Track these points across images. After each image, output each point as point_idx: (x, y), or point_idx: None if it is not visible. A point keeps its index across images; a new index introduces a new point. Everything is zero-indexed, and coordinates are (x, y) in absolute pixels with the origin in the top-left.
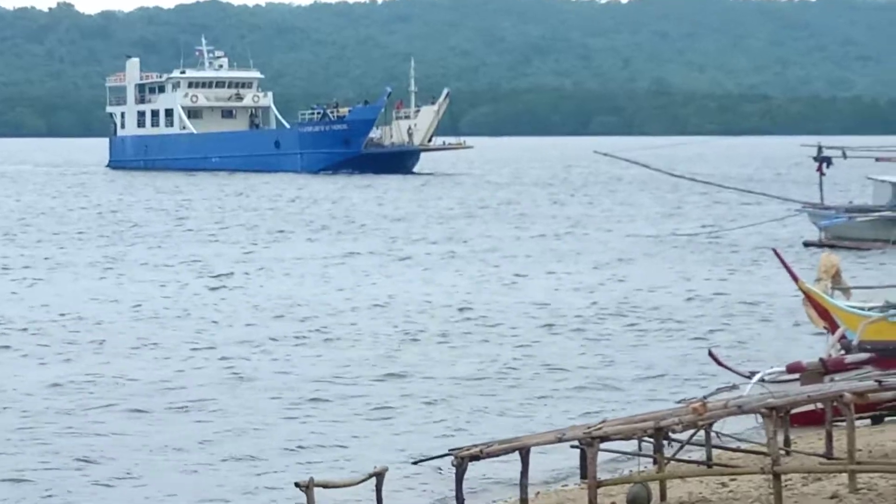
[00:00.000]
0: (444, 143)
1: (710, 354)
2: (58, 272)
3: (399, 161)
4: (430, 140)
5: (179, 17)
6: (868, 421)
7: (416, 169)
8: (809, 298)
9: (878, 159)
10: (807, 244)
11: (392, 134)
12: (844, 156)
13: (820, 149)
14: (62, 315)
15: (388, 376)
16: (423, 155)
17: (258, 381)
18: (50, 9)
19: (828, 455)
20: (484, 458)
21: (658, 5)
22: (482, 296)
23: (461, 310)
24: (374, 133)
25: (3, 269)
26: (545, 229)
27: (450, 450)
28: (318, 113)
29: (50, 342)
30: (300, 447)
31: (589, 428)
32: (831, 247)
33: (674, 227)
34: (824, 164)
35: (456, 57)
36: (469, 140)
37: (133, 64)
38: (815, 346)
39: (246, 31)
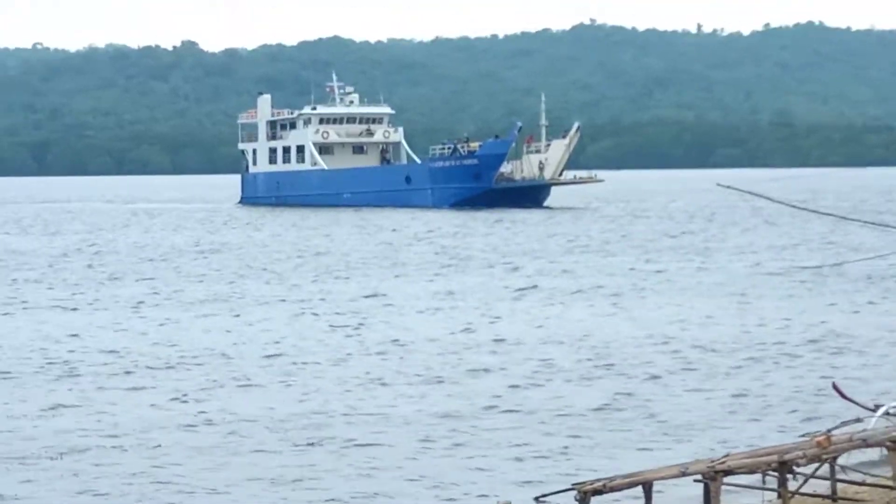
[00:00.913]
0: (575, 176)
1: (835, 387)
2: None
3: (530, 195)
4: (560, 174)
5: (302, 53)
6: None
7: (547, 203)
8: None
9: None
10: None
11: (523, 168)
12: None
13: None
14: (237, 344)
15: (511, 409)
16: (553, 189)
17: (392, 416)
18: (174, 47)
19: None
20: (607, 492)
21: (779, 36)
22: (603, 329)
23: (583, 342)
24: (505, 167)
25: (176, 301)
26: (673, 261)
27: (573, 484)
28: (449, 148)
29: (196, 378)
30: (425, 480)
31: (713, 462)
32: None
33: (797, 259)
34: None
35: (577, 91)
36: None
37: (265, 100)
38: None
39: (368, 67)
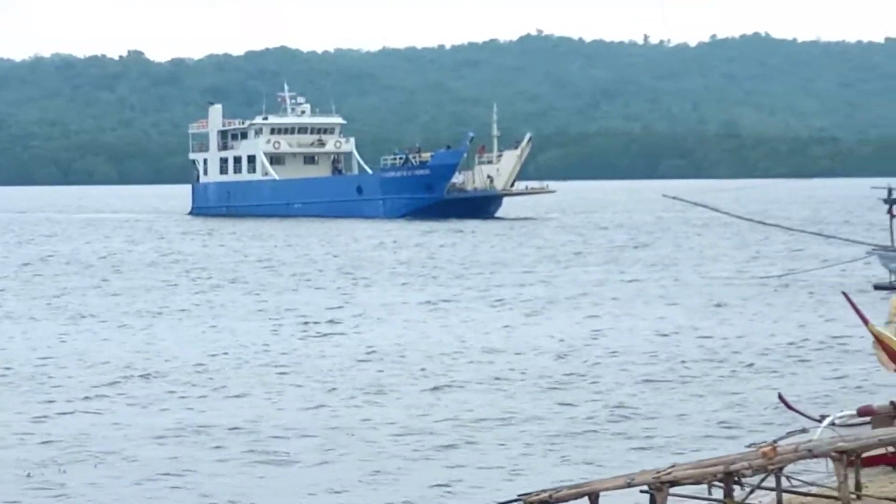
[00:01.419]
0: (526, 187)
1: (780, 398)
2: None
3: (482, 206)
4: (512, 185)
5: (249, 63)
6: None
7: (498, 214)
8: (880, 341)
9: None
10: (877, 287)
11: (474, 179)
12: None
13: (890, 191)
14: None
15: (461, 421)
16: (505, 200)
17: (342, 428)
18: (121, 56)
19: None
20: (553, 502)
21: (726, 48)
22: (554, 340)
23: (537, 355)
24: (457, 178)
25: (124, 313)
26: (625, 273)
27: (519, 495)
28: (401, 158)
29: (171, 388)
30: (372, 490)
31: (658, 472)
32: None
33: (743, 271)
34: (895, 207)
35: (525, 101)
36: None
37: (216, 110)
38: (886, 390)
39: (315, 77)
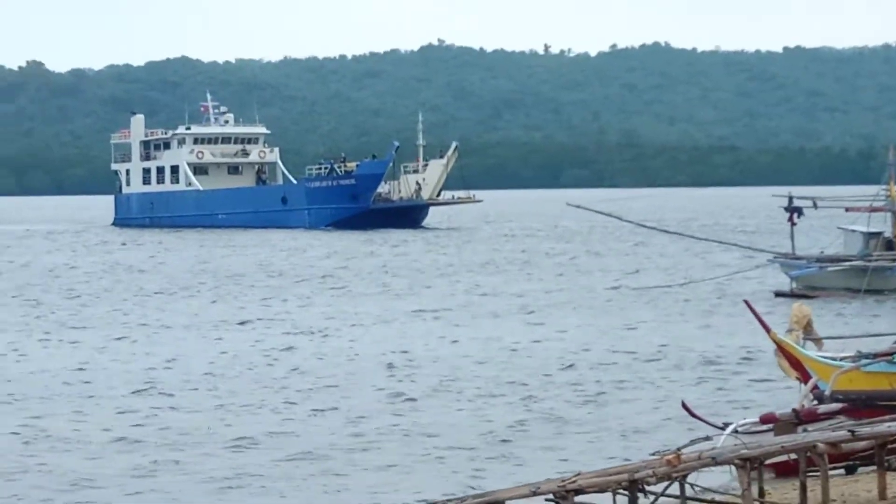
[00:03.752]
0: (453, 196)
1: (684, 406)
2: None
3: (408, 216)
4: (438, 194)
5: (150, 74)
6: (842, 471)
7: (425, 223)
8: (781, 349)
9: (847, 209)
10: (778, 294)
11: (400, 188)
12: (815, 206)
13: (791, 199)
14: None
15: (361, 431)
16: (431, 209)
17: (274, 435)
18: (20, 67)
19: None
20: None
21: (626, 58)
22: (462, 349)
23: (443, 364)
24: (383, 188)
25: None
26: (531, 281)
27: (425, 503)
28: (326, 168)
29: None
30: (298, 494)
31: (563, 481)
32: (802, 297)
33: (644, 280)
34: (795, 215)
35: (426, 112)
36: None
37: (138, 121)
38: (788, 397)
39: (217, 88)
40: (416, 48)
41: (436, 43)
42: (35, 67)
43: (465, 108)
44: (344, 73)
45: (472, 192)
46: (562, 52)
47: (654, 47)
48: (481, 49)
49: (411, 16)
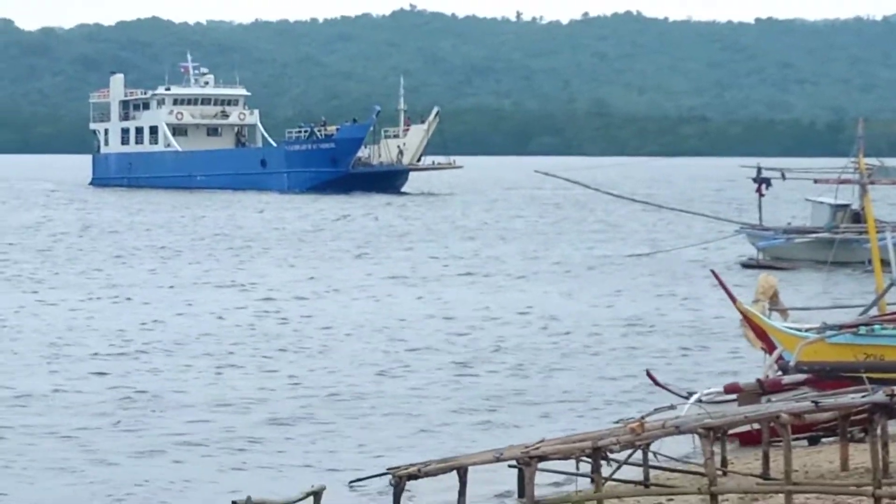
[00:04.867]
0: (434, 162)
1: (648, 374)
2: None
3: (388, 180)
4: (419, 159)
5: (120, 34)
6: (805, 442)
7: (404, 189)
8: (747, 319)
9: (816, 181)
10: (745, 265)
11: (381, 153)
12: (783, 177)
13: (759, 170)
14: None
15: (330, 394)
16: (411, 174)
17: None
18: None
19: (764, 476)
20: (422, 476)
21: (598, 26)
22: (419, 316)
23: (405, 329)
24: (363, 152)
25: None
26: (494, 249)
27: (388, 468)
28: (306, 131)
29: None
30: (239, 467)
31: (527, 447)
32: (769, 268)
33: (612, 248)
34: (763, 186)
35: (397, 77)
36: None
37: (117, 80)
38: (753, 367)
39: (187, 48)
40: (387, 13)
41: (407, 8)
42: (5, 25)
43: (436, 73)
44: (315, 37)
45: (452, 158)
46: (533, 19)
47: (626, 16)
48: (453, 15)
49: None
